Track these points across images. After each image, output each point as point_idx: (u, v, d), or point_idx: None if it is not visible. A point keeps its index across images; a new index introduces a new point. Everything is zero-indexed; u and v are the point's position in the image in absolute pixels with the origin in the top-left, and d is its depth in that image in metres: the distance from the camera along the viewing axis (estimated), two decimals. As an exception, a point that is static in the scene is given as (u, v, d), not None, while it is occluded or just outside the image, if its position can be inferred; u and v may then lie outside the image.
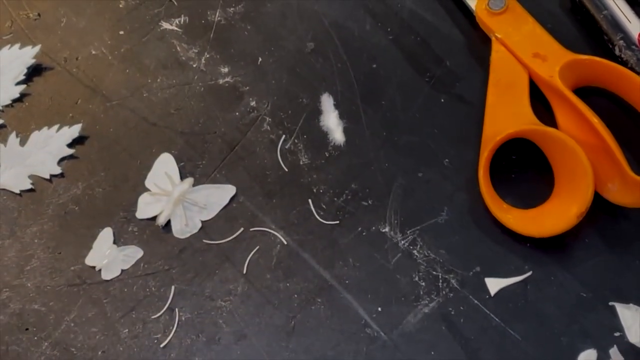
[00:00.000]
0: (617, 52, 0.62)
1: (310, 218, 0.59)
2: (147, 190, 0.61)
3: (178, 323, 0.56)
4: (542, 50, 0.61)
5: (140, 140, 0.63)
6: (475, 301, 0.56)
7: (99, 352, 0.55)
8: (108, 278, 0.58)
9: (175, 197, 0.60)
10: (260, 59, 0.66)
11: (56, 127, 0.64)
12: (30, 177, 0.62)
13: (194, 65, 0.66)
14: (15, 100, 0.65)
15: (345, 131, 0.63)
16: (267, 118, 0.63)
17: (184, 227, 0.59)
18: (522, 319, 0.55)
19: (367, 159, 0.61)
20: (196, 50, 0.67)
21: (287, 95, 0.64)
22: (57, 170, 0.62)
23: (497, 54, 0.63)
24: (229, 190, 0.60)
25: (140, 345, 0.56)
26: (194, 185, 0.61)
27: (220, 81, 0.65)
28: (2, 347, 0.56)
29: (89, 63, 0.67)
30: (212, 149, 0.62)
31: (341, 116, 0.63)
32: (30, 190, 0.62)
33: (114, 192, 0.61)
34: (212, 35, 0.68)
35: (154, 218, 0.60)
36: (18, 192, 0.62)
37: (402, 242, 0.58)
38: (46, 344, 0.55)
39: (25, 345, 0.55)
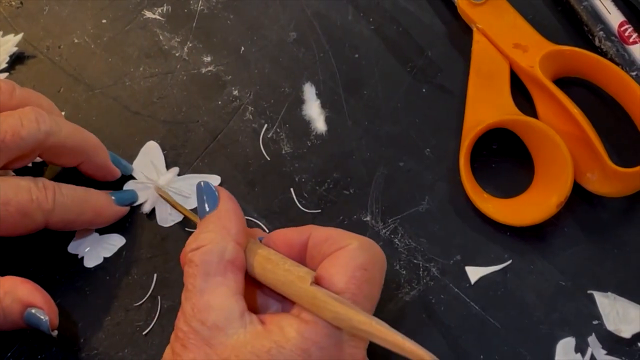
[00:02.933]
0: (597, 43, 0.62)
1: (292, 207, 0.60)
2: (131, 178, 0.61)
3: (160, 311, 0.56)
4: (523, 40, 0.62)
5: (123, 129, 0.63)
6: (456, 289, 0.56)
7: (81, 340, 0.55)
8: (90, 266, 0.58)
9: (161, 186, 0.60)
10: (242, 48, 0.66)
11: (38, 115, 0.63)
12: (13, 165, 0.62)
13: (177, 54, 0.66)
14: (-3, 89, 0.65)
15: (327, 120, 0.63)
16: (250, 107, 0.63)
17: (167, 216, 0.59)
18: (502, 307, 0.56)
19: (348, 149, 0.62)
20: (179, 39, 0.67)
21: (270, 85, 0.65)
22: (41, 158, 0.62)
23: (478, 44, 0.63)
24: (214, 180, 0.61)
25: (122, 333, 0.56)
26: (178, 174, 0.61)
27: (203, 70, 0.65)
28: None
29: (71, 51, 0.67)
30: (194, 138, 0.62)
31: (323, 105, 0.63)
32: (13, 178, 0.62)
33: (97, 180, 0.61)
34: (194, 24, 0.67)
35: (137, 206, 0.60)
36: None
37: (384, 230, 0.58)
38: (27, 332, 0.55)
39: (8, 333, 0.55)
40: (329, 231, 0.48)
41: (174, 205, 0.58)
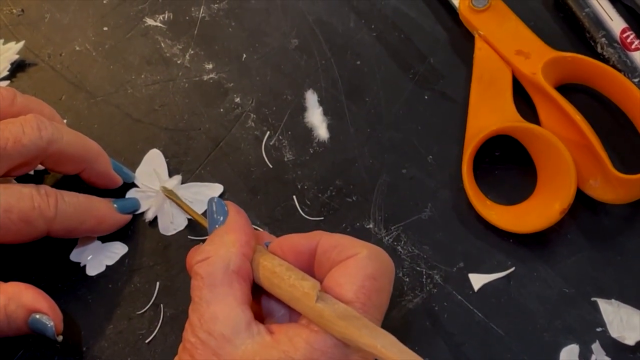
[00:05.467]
0: (599, 49, 0.62)
1: (294, 214, 0.60)
2: (133, 186, 0.61)
3: (163, 319, 0.56)
4: (525, 47, 0.62)
5: (125, 137, 0.63)
6: (459, 297, 0.56)
7: (84, 348, 0.55)
8: (92, 274, 0.58)
9: (164, 194, 0.60)
10: (244, 56, 0.66)
11: (40, 123, 0.63)
12: (15, 173, 0.61)
13: (178, 62, 0.66)
14: (-2, 97, 0.65)
15: (330, 128, 0.63)
16: (252, 114, 0.63)
17: (169, 224, 0.59)
18: (505, 314, 0.56)
19: (351, 156, 0.62)
20: (180, 47, 0.67)
21: (272, 92, 0.65)
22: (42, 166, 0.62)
23: (481, 51, 0.63)
24: (217, 189, 0.60)
25: (125, 341, 0.55)
26: (181, 182, 0.61)
27: (205, 77, 0.65)
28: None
29: (73, 59, 0.67)
30: (196, 146, 0.62)
31: (325, 113, 0.63)
32: (14, 186, 0.61)
33: (99, 188, 0.61)
34: (196, 31, 0.68)
35: (140, 214, 0.60)
36: (2, 188, 0.61)
37: (386, 238, 0.58)
38: (30, 340, 0.55)
39: (12, 339, 0.55)
40: (337, 238, 0.48)
41: (181, 206, 0.58)
